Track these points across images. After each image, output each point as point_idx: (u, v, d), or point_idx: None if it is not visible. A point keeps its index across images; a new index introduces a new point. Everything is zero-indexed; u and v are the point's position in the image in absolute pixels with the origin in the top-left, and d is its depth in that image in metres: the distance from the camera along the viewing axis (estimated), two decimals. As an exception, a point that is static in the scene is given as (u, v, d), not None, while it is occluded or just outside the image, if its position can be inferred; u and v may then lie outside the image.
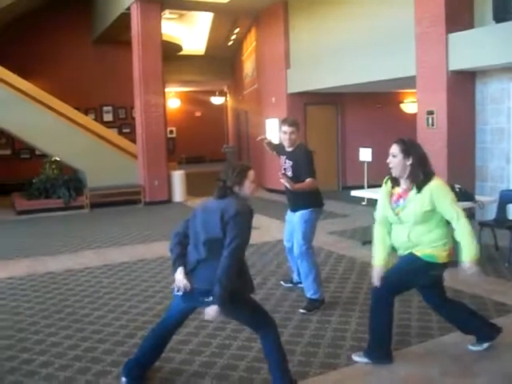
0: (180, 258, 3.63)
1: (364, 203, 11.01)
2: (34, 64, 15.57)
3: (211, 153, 24.96)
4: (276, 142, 6.35)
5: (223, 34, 18.43)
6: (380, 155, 12.40)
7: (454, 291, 5.65)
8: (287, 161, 5.54)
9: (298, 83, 13.41)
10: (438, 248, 3.94)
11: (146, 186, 13.41)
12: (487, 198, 7.63)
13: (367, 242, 8.10)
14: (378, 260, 4.10)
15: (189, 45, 19.21)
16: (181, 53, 19.20)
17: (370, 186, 10.65)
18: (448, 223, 4.00)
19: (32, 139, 13.21)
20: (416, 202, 3.90)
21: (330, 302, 5.52)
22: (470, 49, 8.60)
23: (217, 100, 24.66)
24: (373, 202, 8.55)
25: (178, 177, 14.02)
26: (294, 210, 5.55)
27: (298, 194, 5.35)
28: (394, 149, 3.96)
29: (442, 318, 4.86)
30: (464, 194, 6.84)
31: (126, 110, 18.25)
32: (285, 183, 5.12)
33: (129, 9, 13.42)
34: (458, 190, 6.84)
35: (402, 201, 4.01)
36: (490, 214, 7.78)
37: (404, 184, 4.02)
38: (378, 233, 4.19)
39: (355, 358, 4.15)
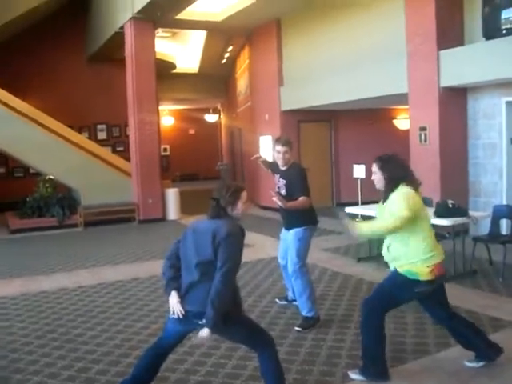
0: (172, 282, 3.61)
1: (358, 220, 11.01)
2: (27, 82, 15.57)
3: (205, 170, 24.98)
4: (270, 159, 6.36)
5: (217, 52, 18.53)
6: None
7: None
8: (281, 179, 5.56)
9: (291, 100, 13.47)
10: (418, 264, 3.93)
11: (139, 204, 13.38)
12: (481, 214, 7.66)
13: (362, 258, 8.13)
14: None
15: (182, 63, 19.30)
16: (174, 71, 19.28)
17: (363, 203, 10.65)
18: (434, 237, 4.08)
19: (25, 157, 13.19)
20: (381, 213, 4.09)
21: (325, 319, 5.50)
22: (461, 65, 8.68)
23: (210, 118, 24.73)
24: (367, 219, 8.58)
25: (172, 195, 14.00)
26: (289, 227, 5.56)
27: (292, 211, 5.36)
28: (374, 166, 4.18)
29: (438, 334, 4.88)
30: (457, 210, 6.88)
31: (119, 128, 18.26)
32: (277, 201, 5.13)
33: (122, 28, 13.49)
34: (451, 205, 6.88)
35: None
36: (484, 229, 7.80)
37: None
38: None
39: (352, 375, 4.13)
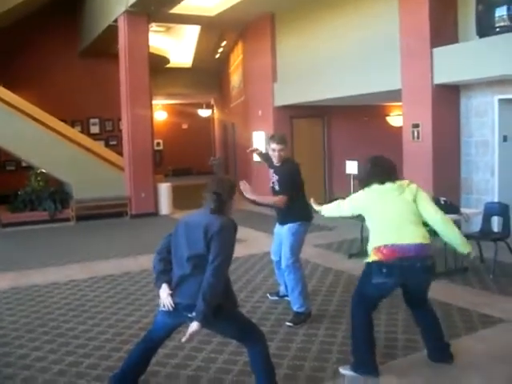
0: (163, 275, 3.62)
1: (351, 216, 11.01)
2: (20, 76, 15.48)
3: (198, 165, 24.92)
4: (264, 151, 6.39)
5: (210, 47, 18.49)
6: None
7: (442, 304, 5.68)
8: (274, 175, 5.58)
9: (285, 96, 13.46)
10: (369, 253, 4.15)
11: (132, 198, 13.35)
12: (472, 211, 7.69)
13: (353, 254, 8.14)
14: None
15: (176, 57, 19.25)
16: (168, 65, 19.23)
17: (356, 199, 10.67)
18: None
19: (17, 151, 13.11)
20: None
21: (317, 315, 5.52)
22: (454, 63, 8.69)
23: (204, 112, 24.69)
24: (359, 215, 8.59)
25: (164, 189, 13.97)
26: (283, 222, 5.57)
27: (286, 207, 5.37)
28: None
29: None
30: (449, 207, 6.89)
31: (112, 123, 18.20)
32: (245, 193, 5.09)
33: (116, 21, 13.43)
34: (443, 202, 6.90)
35: None
36: (475, 226, 7.83)
37: None
38: None
39: (342, 371, 4.15)
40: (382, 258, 3.97)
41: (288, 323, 5.25)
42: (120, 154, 14.11)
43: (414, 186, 4.18)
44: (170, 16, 13.60)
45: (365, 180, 4.30)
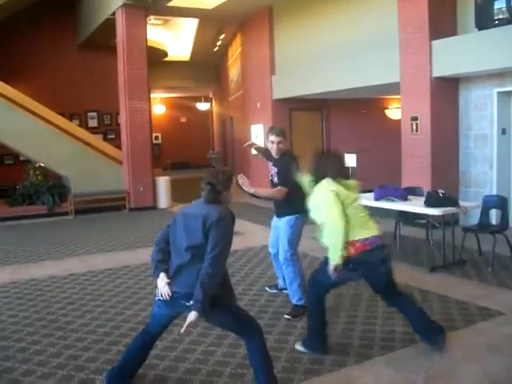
0: (161, 264, 3.63)
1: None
2: (17, 69, 15.43)
3: (196, 159, 24.91)
4: (262, 145, 6.38)
5: (208, 40, 18.45)
6: (365, 161, 12.51)
7: (440, 297, 5.70)
8: (273, 167, 5.57)
9: (283, 89, 13.45)
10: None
11: (130, 192, 13.35)
12: (471, 204, 7.69)
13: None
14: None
15: (174, 51, 19.21)
16: (166, 59, 19.20)
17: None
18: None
19: (15, 145, 13.08)
20: None
21: (315, 307, 5.52)
22: (453, 56, 8.68)
23: (202, 106, 24.66)
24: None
25: (163, 183, 13.97)
26: (280, 215, 5.56)
27: (284, 199, 5.37)
28: None
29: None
30: (448, 200, 6.90)
31: (111, 116, 18.16)
32: (243, 187, 5.09)
33: (114, 14, 13.39)
34: (441, 195, 6.90)
35: None
36: (474, 219, 7.84)
37: None
38: None
39: (297, 346, 4.48)
40: (352, 252, 4.12)
41: (286, 316, 5.26)
42: (118, 147, 14.09)
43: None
44: (168, 9, 13.56)
45: (318, 172, 4.35)
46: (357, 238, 4.12)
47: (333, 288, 4.65)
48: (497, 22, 8.07)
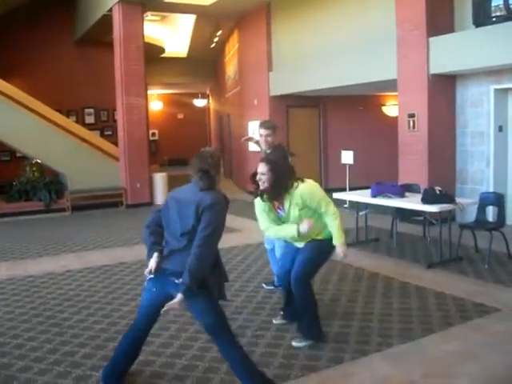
0: (155, 246, 3.62)
1: (346, 205, 11.05)
2: (14, 65, 15.36)
3: (193, 155, 24.86)
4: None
5: (206, 37, 18.41)
6: (362, 158, 12.53)
7: (437, 293, 5.71)
8: None
9: (281, 86, 13.43)
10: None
11: (127, 188, 13.34)
12: (467, 201, 7.70)
13: (349, 244, 8.14)
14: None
15: (171, 47, 19.16)
16: (163, 55, 19.14)
17: (351, 189, 10.69)
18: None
19: (12, 141, 13.02)
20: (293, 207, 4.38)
21: (312, 304, 5.52)
22: (451, 52, 8.69)
23: (199, 102, 24.62)
24: (354, 204, 8.62)
25: (159, 179, 13.96)
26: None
27: None
28: (263, 168, 4.32)
29: (423, 320, 4.93)
30: (444, 197, 6.91)
31: (107, 112, 18.12)
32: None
33: (111, 10, 13.35)
34: (438, 192, 6.91)
35: (281, 212, 4.48)
36: (470, 216, 7.85)
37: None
38: (278, 228, 4.47)
39: (296, 344, 4.49)
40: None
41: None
42: (115, 144, 14.08)
43: None
44: (165, 5, 13.51)
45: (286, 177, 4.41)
46: None
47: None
48: (494, 19, 8.08)
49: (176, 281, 3.39)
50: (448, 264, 6.83)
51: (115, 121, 15.27)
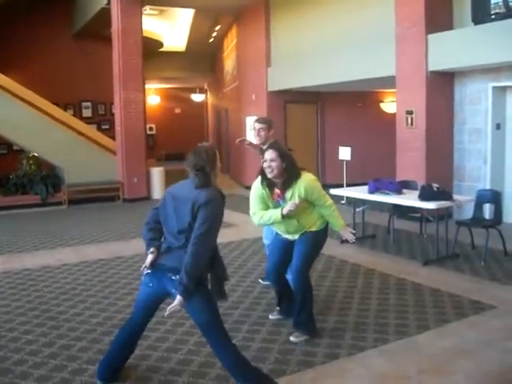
0: (153, 241, 3.62)
1: (343, 202, 11.05)
2: (11, 58, 15.29)
3: (190, 151, 24.81)
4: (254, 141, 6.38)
5: (204, 31, 18.36)
6: (359, 154, 12.54)
7: (433, 290, 5.72)
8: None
9: (279, 81, 13.41)
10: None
11: (124, 182, 13.32)
12: (464, 198, 7.71)
13: (345, 240, 8.14)
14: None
15: (169, 41, 19.10)
16: (161, 49, 19.09)
17: (348, 185, 10.69)
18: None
19: (9, 134, 12.97)
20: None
21: (308, 299, 5.52)
22: (449, 50, 8.68)
23: (197, 97, 24.56)
24: (351, 201, 8.62)
25: (157, 173, 13.95)
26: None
27: None
28: (271, 154, 4.34)
29: (419, 317, 4.94)
30: (442, 193, 6.92)
31: (105, 106, 18.09)
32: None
33: (109, 3, 13.29)
34: (435, 189, 6.92)
35: (281, 200, 4.46)
36: (467, 213, 7.86)
37: (279, 184, 4.45)
38: (263, 212, 4.48)
39: (294, 339, 4.50)
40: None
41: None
42: (112, 138, 14.05)
43: None
44: (164, -1, 13.50)
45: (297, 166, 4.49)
46: None
47: None
48: (493, 16, 8.07)
49: (173, 277, 3.40)
50: (444, 261, 6.84)
51: (113, 114, 15.23)
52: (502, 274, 6.27)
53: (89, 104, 18.06)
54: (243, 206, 11.25)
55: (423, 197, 6.92)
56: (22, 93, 12.87)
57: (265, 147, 5.55)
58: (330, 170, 14.43)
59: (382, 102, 14.92)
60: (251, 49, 14.69)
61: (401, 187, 7.65)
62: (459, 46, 8.49)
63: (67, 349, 4.41)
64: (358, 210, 8.35)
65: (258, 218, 4.48)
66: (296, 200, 4.26)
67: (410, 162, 9.49)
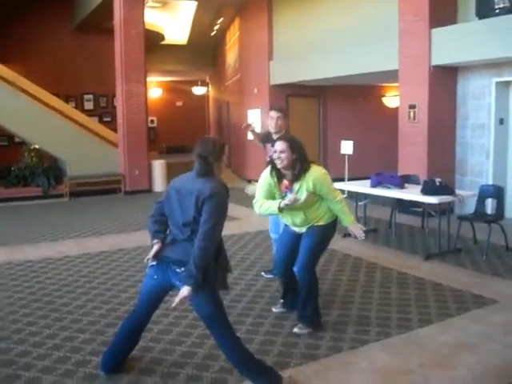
0: (158, 234, 3.63)
1: (345, 196, 11.03)
2: (13, 50, 15.27)
3: (192, 143, 24.11)
4: (258, 130, 6.37)
5: (206, 24, 18.30)
6: (361, 148, 12.52)
7: (435, 284, 5.73)
8: (273, 148, 5.52)
9: (281, 75, 13.38)
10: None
11: (126, 175, 13.33)
12: (467, 192, 7.71)
13: (347, 234, 8.16)
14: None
15: (171, 34, 19.05)
16: (163, 42, 19.04)
17: (350, 179, 10.69)
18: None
19: (11, 126, 12.97)
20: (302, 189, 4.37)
21: (311, 293, 5.53)
22: (453, 44, 8.65)
23: (199, 90, 24.52)
24: (353, 195, 8.62)
25: (158, 166, 13.96)
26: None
27: None
28: (282, 145, 4.34)
29: (421, 311, 4.95)
30: (444, 188, 6.91)
31: (107, 99, 18.06)
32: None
33: (111, -5, 13.28)
34: (438, 183, 6.91)
35: (288, 192, 4.44)
36: (469, 208, 7.86)
37: (288, 176, 4.45)
38: (263, 201, 4.48)
39: (298, 331, 4.52)
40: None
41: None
42: (114, 130, 14.04)
43: None
44: (167, -9, 13.46)
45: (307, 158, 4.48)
46: None
47: None
48: (497, 10, 8.03)
49: (177, 270, 3.41)
50: (446, 255, 6.85)
51: (114, 107, 15.23)
52: (504, 269, 6.28)
53: (90, 96, 18.04)
54: (245, 199, 11.25)
55: (425, 191, 6.92)
56: (23, 85, 12.83)
57: (278, 136, 5.53)
58: (331, 164, 14.37)
59: (383, 96, 14.89)
60: (253, 42, 14.66)
61: (403, 181, 7.65)
62: (463, 41, 8.46)
63: (71, 340, 4.42)
64: (360, 203, 8.36)
65: (258, 206, 4.48)
66: (294, 195, 4.24)
67: (412, 156, 9.48)
